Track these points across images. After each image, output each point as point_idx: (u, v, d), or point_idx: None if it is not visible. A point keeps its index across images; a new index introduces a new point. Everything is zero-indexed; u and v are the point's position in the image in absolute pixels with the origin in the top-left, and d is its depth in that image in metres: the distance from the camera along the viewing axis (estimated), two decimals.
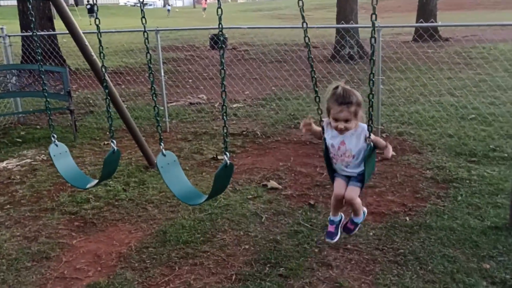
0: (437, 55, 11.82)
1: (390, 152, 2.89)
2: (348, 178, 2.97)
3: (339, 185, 2.98)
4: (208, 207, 4.51)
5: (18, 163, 6.14)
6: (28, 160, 6.23)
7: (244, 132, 7.07)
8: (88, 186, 3.73)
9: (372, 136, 2.83)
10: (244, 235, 4.01)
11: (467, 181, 4.78)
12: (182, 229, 4.14)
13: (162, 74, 7.31)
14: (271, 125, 7.34)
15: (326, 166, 3.05)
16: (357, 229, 3.28)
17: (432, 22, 14.61)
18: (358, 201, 3.01)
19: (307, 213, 4.32)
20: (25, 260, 3.77)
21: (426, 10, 18.70)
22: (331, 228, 3.22)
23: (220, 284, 3.33)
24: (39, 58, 3.73)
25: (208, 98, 9.55)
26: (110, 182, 5.23)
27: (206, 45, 18.63)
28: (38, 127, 8.00)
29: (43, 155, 6.38)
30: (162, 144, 3.34)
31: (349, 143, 2.88)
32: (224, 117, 2.90)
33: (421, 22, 12.34)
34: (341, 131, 2.86)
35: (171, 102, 9.19)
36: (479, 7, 37.96)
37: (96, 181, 3.73)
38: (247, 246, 3.82)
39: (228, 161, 2.93)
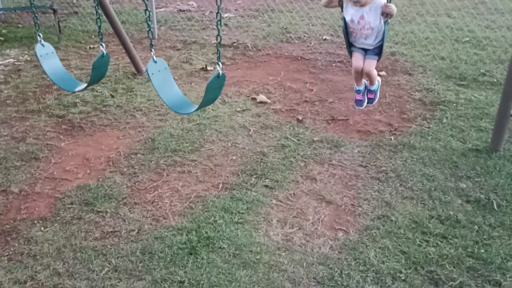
0: None
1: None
2: (365, 52, 3.20)
3: (357, 59, 3.22)
4: (196, 118, 4.52)
5: (1, 63, 5.96)
6: (11, 60, 6.05)
7: (234, 44, 6.90)
8: (77, 89, 3.66)
9: (390, 7, 2.92)
10: (232, 146, 4.07)
11: (454, 104, 4.83)
12: (170, 137, 4.17)
13: None
14: (262, 37, 7.15)
15: (345, 42, 3.27)
16: (377, 96, 3.54)
17: None
18: (374, 72, 3.28)
19: (295, 128, 4.37)
20: (14, 159, 3.81)
21: None
22: (358, 97, 3.52)
23: (207, 192, 3.44)
24: None
25: (199, 6, 9.18)
26: (98, 88, 5.16)
27: None
28: (20, 25, 7.67)
29: (27, 55, 6.19)
30: (153, 50, 3.24)
31: (367, 16, 3.03)
32: (218, 26, 2.80)
33: None
34: (358, 3, 2.98)
35: (159, 8, 8.81)
36: None
37: (85, 84, 3.66)
38: (234, 157, 3.90)
39: (220, 72, 2.89)
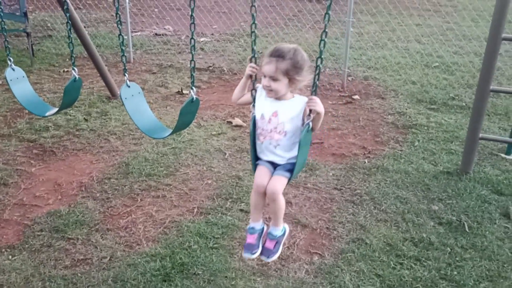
0: (409, 0, 11.74)
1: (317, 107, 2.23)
2: (274, 168, 2.35)
3: (261, 173, 2.33)
4: (172, 141, 4.49)
5: None
6: None
7: (210, 68, 6.95)
8: (48, 114, 3.61)
9: (314, 100, 2.19)
10: (207, 170, 4.05)
11: (425, 128, 4.95)
12: (145, 161, 4.13)
13: (127, 1, 6.95)
14: (238, 61, 7.22)
15: (250, 148, 2.41)
16: (279, 250, 2.45)
17: None
18: (281, 200, 2.31)
19: None
20: None
21: None
22: (250, 239, 2.42)
23: (182, 216, 3.40)
24: None
25: (175, 30, 9.23)
26: (71, 111, 5.09)
27: None
28: None
29: None
30: (126, 74, 3.23)
31: (282, 115, 2.28)
32: (192, 50, 2.82)
33: None
34: (269, 94, 2.31)
35: (135, 32, 8.83)
36: None
37: (56, 109, 3.61)
38: (209, 181, 3.88)
39: (194, 96, 2.89)
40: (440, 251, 3.05)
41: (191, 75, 2.86)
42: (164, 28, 9.35)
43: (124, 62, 3.28)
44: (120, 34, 3.21)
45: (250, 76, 2.40)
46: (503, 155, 4.38)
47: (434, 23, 9.49)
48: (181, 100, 5.68)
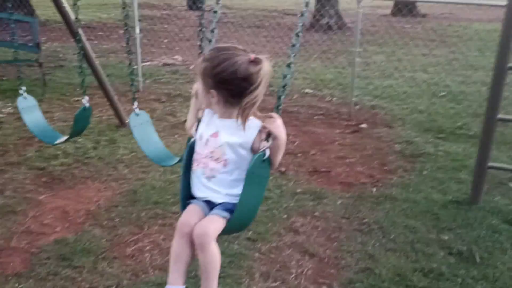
0: (414, 31, 11.91)
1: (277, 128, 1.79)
2: (210, 207, 1.86)
3: (190, 211, 1.86)
4: (179, 169, 4.50)
5: None
6: None
7: None
8: (57, 142, 3.67)
9: (273, 123, 1.73)
10: None
11: (433, 157, 4.93)
12: (152, 189, 4.13)
13: (137, 31, 7.12)
14: None
15: (181, 180, 1.92)
16: None
17: None
18: (213, 250, 1.77)
19: (278, 180, 4.38)
20: None
21: None
22: None
23: None
24: (9, 5, 3.55)
25: (184, 60, 9.39)
26: (80, 139, 5.15)
27: (183, 4, 18.14)
28: (4, 78, 7.71)
29: (10, 108, 6.19)
30: (135, 103, 3.30)
31: (224, 136, 1.80)
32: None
33: None
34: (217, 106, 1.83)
35: (145, 62, 8.99)
36: None
37: (65, 137, 3.67)
38: None
39: None
40: (451, 282, 2.99)
41: None
42: (173, 58, 9.52)
43: (134, 91, 3.35)
44: (130, 64, 3.29)
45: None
46: None
47: (440, 53, 9.58)
48: None
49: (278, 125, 1.75)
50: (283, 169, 4.61)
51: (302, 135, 5.55)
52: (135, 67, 7.38)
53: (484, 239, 3.44)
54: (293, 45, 1.92)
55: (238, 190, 1.74)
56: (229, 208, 1.76)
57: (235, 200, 1.77)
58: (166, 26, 12.02)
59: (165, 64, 9.03)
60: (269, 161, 1.74)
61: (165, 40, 10.90)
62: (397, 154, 5.04)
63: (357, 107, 6.56)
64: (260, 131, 1.78)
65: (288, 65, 1.89)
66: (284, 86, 1.89)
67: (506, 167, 4.52)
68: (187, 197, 1.90)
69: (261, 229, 3.56)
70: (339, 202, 4.00)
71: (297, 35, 1.92)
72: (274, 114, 1.79)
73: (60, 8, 4.65)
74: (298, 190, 4.18)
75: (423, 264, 3.16)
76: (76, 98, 6.74)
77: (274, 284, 2.98)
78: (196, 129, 1.90)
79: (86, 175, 4.43)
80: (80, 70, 3.37)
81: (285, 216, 3.77)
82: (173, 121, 5.99)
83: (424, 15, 16.12)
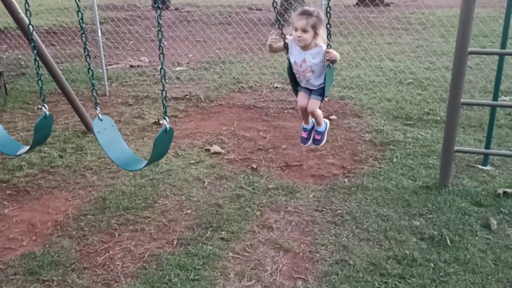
0: (378, 20, 12.03)
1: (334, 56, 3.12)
2: (310, 91, 3.33)
3: (301, 98, 3.37)
4: (149, 173, 4.43)
5: None
6: None
7: (187, 96, 6.94)
8: (19, 152, 3.55)
9: (331, 53, 3.06)
10: (186, 200, 3.99)
11: (403, 144, 4.99)
12: (122, 195, 4.05)
13: (100, 34, 6.95)
14: (214, 89, 7.24)
15: (289, 81, 3.40)
16: (324, 139, 3.60)
17: None
18: (318, 112, 3.40)
19: (250, 176, 4.35)
20: None
21: None
22: (304, 134, 3.63)
23: (161, 249, 3.32)
24: None
25: (150, 61, 9.25)
26: (45, 148, 5.00)
27: (148, 4, 17.86)
28: None
29: None
30: (98, 108, 3.21)
31: (309, 60, 3.16)
32: (163, 80, 2.82)
33: None
34: (300, 43, 3.09)
35: (110, 65, 8.81)
36: None
37: (27, 147, 3.55)
38: (189, 211, 3.81)
39: (168, 126, 2.87)
40: (423, 267, 3.02)
41: (163, 105, 2.85)
42: (140, 60, 9.36)
43: (95, 95, 3.26)
44: (89, 68, 3.19)
45: (270, 45, 3.27)
46: (480, 166, 4.42)
47: (404, 41, 9.71)
48: (158, 130, 5.60)
49: (333, 53, 3.06)
50: (254, 165, 4.59)
51: (272, 130, 5.54)
52: (99, 71, 7.22)
53: (454, 222, 3.50)
54: None
55: (321, 80, 3.22)
56: (320, 93, 3.29)
57: (321, 86, 3.26)
58: (130, 27, 11.82)
59: (132, 66, 8.87)
60: (330, 67, 3.16)
61: (131, 42, 10.72)
62: (367, 143, 5.08)
63: (326, 98, 6.57)
64: (324, 56, 3.11)
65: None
66: (329, 34, 3.12)
67: (472, 150, 4.61)
68: (296, 86, 3.40)
69: (234, 228, 3.53)
70: (311, 195, 4.01)
71: None
72: (329, 49, 3.06)
73: (14, 15, 4.50)
74: (271, 186, 4.16)
75: (396, 251, 3.19)
76: (39, 106, 6.54)
77: (249, 283, 2.95)
78: (287, 53, 3.27)
79: (52, 185, 4.30)
80: (37, 77, 3.25)
81: (258, 213, 3.75)
82: (141, 123, 5.88)
83: (387, 4, 16.32)
